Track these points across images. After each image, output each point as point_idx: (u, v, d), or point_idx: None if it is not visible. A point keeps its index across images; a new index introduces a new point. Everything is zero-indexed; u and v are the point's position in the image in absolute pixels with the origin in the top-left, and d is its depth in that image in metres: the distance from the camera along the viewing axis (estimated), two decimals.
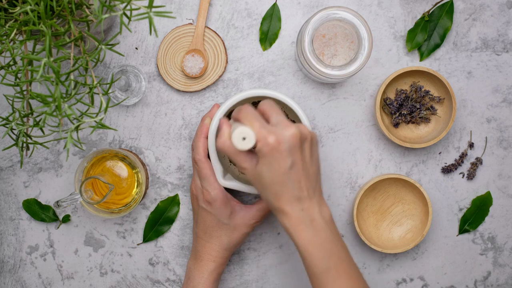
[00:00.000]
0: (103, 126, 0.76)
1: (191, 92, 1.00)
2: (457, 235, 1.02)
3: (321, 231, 0.82)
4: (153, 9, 0.74)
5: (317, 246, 0.82)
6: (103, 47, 0.76)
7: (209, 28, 0.99)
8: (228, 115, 0.96)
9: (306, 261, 0.82)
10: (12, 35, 0.75)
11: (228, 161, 0.98)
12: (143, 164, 0.98)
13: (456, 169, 1.01)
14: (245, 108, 0.82)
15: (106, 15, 0.71)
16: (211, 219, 0.93)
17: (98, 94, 0.80)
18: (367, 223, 1.00)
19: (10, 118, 0.90)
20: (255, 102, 0.97)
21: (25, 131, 0.79)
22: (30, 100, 0.96)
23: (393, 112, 0.98)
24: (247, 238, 1.01)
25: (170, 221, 1.01)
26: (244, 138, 0.79)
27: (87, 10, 0.78)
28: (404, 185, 0.99)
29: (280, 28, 0.99)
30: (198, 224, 0.95)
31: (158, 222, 1.01)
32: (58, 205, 0.90)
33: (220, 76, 0.99)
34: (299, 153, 0.81)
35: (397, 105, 0.98)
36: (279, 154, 0.79)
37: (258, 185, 0.83)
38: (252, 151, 0.82)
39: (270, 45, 0.99)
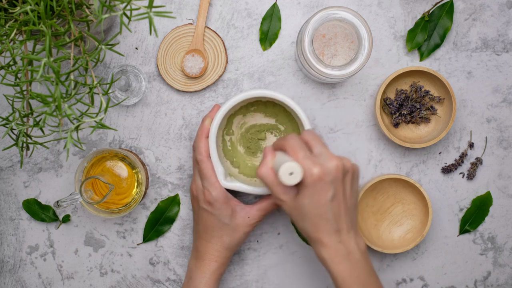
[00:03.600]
0: (103, 126, 0.76)
1: (191, 92, 1.00)
2: (457, 235, 1.02)
3: (358, 263, 0.84)
4: (153, 9, 0.74)
5: (353, 278, 0.83)
6: (103, 47, 0.76)
7: (209, 28, 0.99)
8: (225, 120, 0.96)
9: None
10: (12, 35, 0.75)
11: (228, 162, 0.98)
12: (143, 164, 0.98)
13: (456, 169, 1.01)
14: (290, 138, 0.84)
15: (106, 15, 0.71)
16: (212, 219, 0.93)
17: (98, 94, 0.80)
18: (367, 223, 1.00)
19: (10, 118, 0.90)
20: (255, 102, 0.97)
21: (25, 131, 0.79)
22: (30, 100, 0.96)
23: (393, 112, 0.98)
24: (247, 238, 1.01)
25: (171, 221, 1.01)
26: (291, 173, 0.79)
27: (87, 10, 0.78)
28: (404, 185, 0.99)
29: (280, 28, 0.99)
30: (199, 224, 0.95)
31: (159, 222, 1.01)
32: (58, 205, 0.90)
33: (220, 76, 0.99)
34: (341, 185, 0.82)
35: (397, 105, 0.98)
36: (322, 186, 0.80)
37: (296, 216, 0.83)
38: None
39: (270, 45, 0.99)
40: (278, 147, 0.85)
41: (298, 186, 0.82)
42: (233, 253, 0.97)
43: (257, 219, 0.95)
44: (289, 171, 0.79)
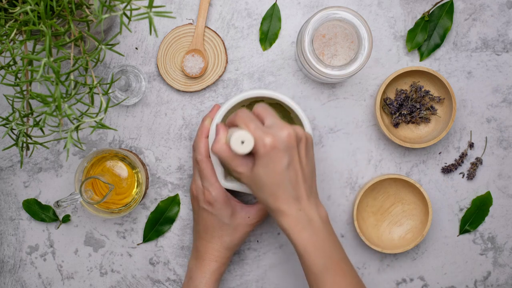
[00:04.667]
0: (103, 126, 0.76)
1: (191, 92, 1.00)
2: (457, 236, 1.02)
3: (319, 230, 0.83)
4: (153, 9, 0.74)
5: (315, 245, 0.83)
6: (103, 47, 0.76)
7: (209, 28, 0.99)
8: (225, 120, 0.96)
9: (305, 260, 0.84)
10: (12, 35, 0.75)
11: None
12: (143, 164, 0.98)
13: (456, 169, 1.01)
14: (240, 112, 0.83)
15: (106, 15, 0.71)
16: (212, 219, 0.93)
17: (98, 94, 0.80)
18: (367, 223, 1.00)
19: (10, 118, 0.90)
20: (256, 102, 0.97)
21: (25, 131, 0.79)
22: (30, 100, 0.96)
23: (393, 112, 0.98)
24: (247, 238, 1.01)
25: (171, 221, 1.01)
26: (242, 142, 0.79)
27: (87, 10, 0.78)
28: (404, 185, 0.99)
29: (280, 28, 0.99)
30: (199, 225, 0.95)
31: (159, 222, 1.01)
32: (58, 205, 0.90)
33: (220, 76, 0.99)
34: (295, 152, 0.82)
35: (397, 105, 0.98)
36: (275, 154, 0.80)
37: (254, 188, 0.83)
38: (246, 155, 0.83)
39: (270, 45, 0.99)
40: (230, 124, 0.85)
41: (254, 157, 0.82)
42: (233, 253, 0.97)
43: (257, 219, 0.95)
44: (240, 139, 0.79)
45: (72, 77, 0.78)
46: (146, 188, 0.97)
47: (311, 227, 0.83)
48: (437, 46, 0.99)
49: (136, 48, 0.99)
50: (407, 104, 0.98)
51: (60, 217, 1.01)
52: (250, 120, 0.82)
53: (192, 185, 0.96)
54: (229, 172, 0.96)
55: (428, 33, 0.99)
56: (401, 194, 1.00)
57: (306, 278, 0.86)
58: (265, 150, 0.80)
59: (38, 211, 1.01)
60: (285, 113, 0.98)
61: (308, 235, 0.83)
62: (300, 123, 0.94)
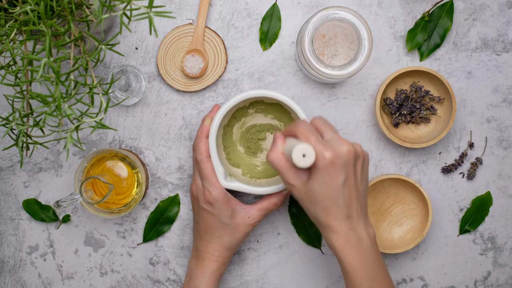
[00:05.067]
0: (103, 126, 0.76)
1: (191, 92, 1.00)
2: (457, 236, 1.02)
3: (367, 251, 0.83)
4: (153, 9, 0.74)
5: (363, 265, 0.83)
6: (103, 47, 0.76)
7: (209, 28, 0.99)
8: (225, 120, 0.96)
9: (351, 279, 0.83)
10: (12, 35, 0.75)
11: (228, 162, 0.98)
12: (143, 164, 0.98)
13: (456, 169, 1.01)
14: (301, 123, 0.83)
15: (106, 15, 0.71)
16: (212, 219, 0.93)
17: (98, 94, 0.80)
18: None
19: (10, 118, 0.90)
20: (256, 102, 0.97)
21: (25, 131, 0.79)
22: (30, 100, 0.96)
23: (393, 112, 0.98)
24: (247, 238, 1.01)
25: (171, 221, 1.01)
26: (304, 155, 0.79)
27: (87, 10, 0.78)
28: (404, 185, 0.99)
29: (280, 28, 0.99)
30: (199, 225, 0.95)
31: (159, 222, 1.01)
32: (58, 205, 0.90)
33: (220, 76, 0.99)
34: (352, 170, 0.81)
35: (397, 105, 0.98)
36: (334, 170, 0.79)
37: (307, 201, 0.82)
38: (301, 168, 0.82)
39: (270, 45, 0.99)
40: (288, 133, 0.85)
41: (309, 170, 0.81)
42: (234, 253, 0.97)
43: (257, 219, 0.95)
44: (302, 152, 0.78)
45: (72, 77, 0.78)
46: (146, 188, 0.97)
47: (359, 247, 0.82)
48: (437, 46, 0.99)
49: (136, 48, 0.99)
50: (407, 104, 0.98)
51: (60, 217, 1.01)
52: (310, 133, 0.81)
53: (192, 185, 0.96)
54: (229, 171, 0.96)
55: (428, 33, 0.99)
56: (401, 194, 1.00)
57: None
58: (324, 164, 0.79)
59: (38, 211, 1.01)
60: (285, 113, 0.98)
61: (356, 254, 0.82)
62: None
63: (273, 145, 0.84)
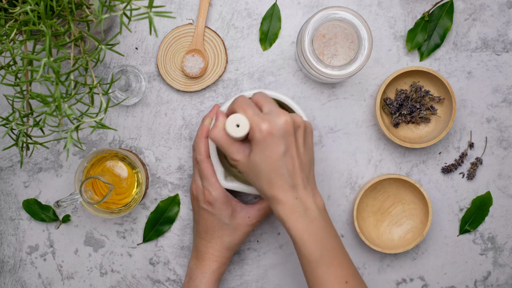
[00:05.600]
0: (103, 126, 0.76)
1: (191, 92, 1.00)
2: (457, 236, 1.02)
3: (315, 220, 0.83)
4: (153, 9, 0.74)
5: (311, 234, 0.83)
6: (103, 47, 0.76)
7: (209, 28, 0.99)
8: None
9: (300, 249, 0.83)
10: (12, 35, 0.75)
11: (227, 162, 0.98)
12: (143, 164, 0.98)
13: (456, 169, 1.01)
14: (239, 98, 0.84)
15: (106, 15, 0.71)
16: (212, 219, 0.93)
17: (98, 94, 0.80)
18: (367, 223, 1.00)
19: (10, 118, 0.90)
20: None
21: (25, 131, 0.79)
22: (30, 100, 0.96)
23: (393, 112, 0.98)
24: (247, 238, 1.01)
25: (171, 221, 1.01)
26: (238, 126, 0.80)
27: (87, 10, 0.78)
28: (404, 185, 0.99)
29: (280, 28, 0.99)
30: (199, 225, 0.95)
31: (159, 222, 1.01)
32: (58, 205, 0.90)
33: (220, 76, 0.99)
34: (293, 140, 0.82)
35: (397, 105, 0.98)
36: (272, 141, 0.80)
37: (251, 175, 0.83)
38: (244, 142, 0.83)
39: (270, 45, 0.99)
40: (230, 111, 0.85)
41: (251, 144, 0.82)
42: (234, 253, 0.97)
43: (257, 219, 0.95)
44: (236, 122, 0.80)
45: (72, 77, 0.78)
46: (146, 188, 0.97)
47: (307, 216, 0.82)
48: (437, 46, 0.99)
49: (136, 48, 0.99)
50: (407, 104, 0.98)
51: (60, 217, 1.01)
52: (247, 106, 0.82)
53: (192, 185, 0.96)
54: (229, 171, 0.96)
55: (428, 33, 0.99)
56: (401, 194, 1.00)
57: (301, 267, 0.86)
58: (261, 136, 0.80)
59: (38, 211, 1.01)
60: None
61: (304, 223, 0.82)
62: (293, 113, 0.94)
63: (214, 122, 0.85)
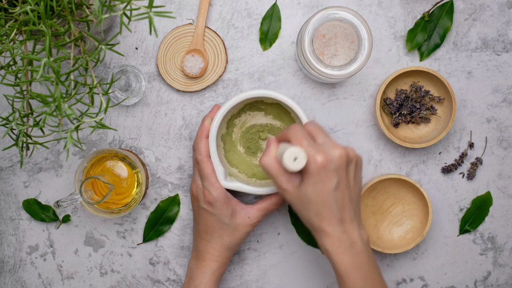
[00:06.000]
0: (103, 126, 0.76)
1: (191, 92, 1.00)
2: (457, 236, 1.02)
3: (360, 254, 0.83)
4: (153, 9, 0.74)
5: (356, 268, 0.83)
6: (103, 47, 0.76)
7: (209, 28, 0.99)
8: (226, 120, 0.96)
9: (345, 282, 0.84)
10: (12, 35, 0.75)
11: (227, 162, 0.98)
12: (143, 164, 0.98)
13: (456, 169, 1.01)
14: (294, 127, 0.83)
15: (106, 15, 0.71)
16: (212, 219, 0.93)
17: (98, 94, 0.80)
18: (367, 223, 1.00)
19: (10, 118, 0.90)
20: (256, 102, 0.97)
21: (25, 131, 0.79)
22: (30, 100, 0.96)
23: (393, 112, 0.98)
24: (247, 238, 1.01)
25: (171, 221, 1.01)
26: (295, 159, 0.79)
27: (87, 10, 0.78)
28: (404, 185, 0.99)
29: (280, 28, 0.99)
30: (199, 225, 0.95)
31: (159, 222, 1.01)
32: (58, 205, 0.90)
33: (220, 76, 0.99)
34: (344, 174, 0.82)
35: (397, 105, 0.98)
36: (326, 174, 0.80)
37: (299, 205, 0.83)
38: (294, 173, 0.82)
39: (270, 45, 0.99)
40: (282, 138, 0.85)
41: (302, 175, 0.82)
42: (234, 253, 0.97)
43: (257, 219, 0.95)
44: (294, 156, 0.79)
45: (72, 77, 0.78)
46: (146, 188, 0.97)
47: (352, 250, 0.83)
48: (437, 46, 0.99)
49: (136, 48, 0.99)
50: (407, 104, 0.98)
51: (60, 217, 1.01)
52: (303, 137, 0.82)
53: (192, 185, 0.96)
54: (229, 171, 0.95)
55: (428, 33, 0.99)
56: (401, 194, 1.00)
57: None
58: (316, 168, 0.79)
59: (38, 211, 1.01)
60: (286, 113, 0.98)
61: (349, 257, 0.83)
62: (300, 123, 0.93)
63: (266, 149, 0.85)
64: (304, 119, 0.91)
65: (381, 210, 1.01)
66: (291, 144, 0.81)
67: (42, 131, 0.81)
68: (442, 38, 0.99)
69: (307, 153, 0.80)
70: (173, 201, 1.01)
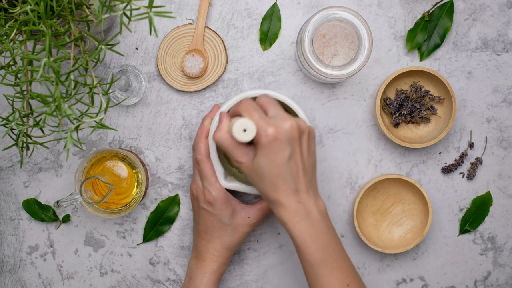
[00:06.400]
0: (103, 126, 0.76)
1: (191, 92, 1.00)
2: (457, 236, 1.02)
3: (317, 223, 0.84)
4: (153, 9, 0.74)
5: (313, 238, 0.84)
6: (103, 47, 0.76)
7: (209, 28, 0.99)
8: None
9: (302, 252, 0.84)
10: (12, 35, 0.75)
11: (227, 162, 0.98)
12: (143, 164, 0.98)
13: (456, 169, 1.01)
14: (244, 101, 0.84)
15: (106, 15, 0.71)
16: (212, 219, 0.93)
17: (98, 94, 0.80)
18: (367, 223, 1.00)
19: (10, 118, 0.90)
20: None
21: (25, 131, 0.79)
22: (30, 100, 0.96)
23: (393, 112, 0.98)
24: (247, 238, 1.01)
25: (171, 221, 1.01)
26: (244, 130, 0.80)
27: (87, 10, 0.78)
28: (404, 185, 0.99)
29: (280, 28, 0.99)
30: (199, 225, 0.95)
31: (159, 222, 1.01)
32: (58, 205, 0.90)
33: (220, 76, 0.99)
34: (297, 145, 0.82)
35: (397, 105, 0.98)
36: (277, 145, 0.80)
37: (255, 178, 0.84)
38: (248, 145, 0.84)
39: (270, 45, 0.99)
40: (234, 113, 0.86)
41: (255, 147, 0.82)
42: (234, 253, 0.97)
43: (257, 219, 0.95)
44: (243, 127, 0.80)
45: (72, 77, 0.78)
46: (146, 188, 0.97)
47: (309, 220, 0.83)
48: (437, 46, 0.99)
49: (136, 48, 0.99)
50: (407, 104, 0.98)
51: (60, 217, 1.01)
52: (253, 110, 0.82)
53: (192, 185, 0.96)
54: (229, 171, 0.95)
55: (428, 33, 0.99)
56: (401, 194, 1.00)
57: (303, 270, 0.87)
58: (267, 140, 0.80)
59: (38, 211, 1.01)
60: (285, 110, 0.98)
61: (306, 227, 0.83)
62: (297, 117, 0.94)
63: (218, 124, 0.85)
64: (304, 119, 0.91)
65: (381, 210, 1.01)
66: (241, 117, 0.82)
67: (42, 131, 0.81)
68: (442, 38, 0.99)
69: (258, 126, 0.80)
70: (173, 201, 1.01)
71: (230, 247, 0.95)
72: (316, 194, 0.86)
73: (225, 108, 0.92)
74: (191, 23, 0.99)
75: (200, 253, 0.95)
